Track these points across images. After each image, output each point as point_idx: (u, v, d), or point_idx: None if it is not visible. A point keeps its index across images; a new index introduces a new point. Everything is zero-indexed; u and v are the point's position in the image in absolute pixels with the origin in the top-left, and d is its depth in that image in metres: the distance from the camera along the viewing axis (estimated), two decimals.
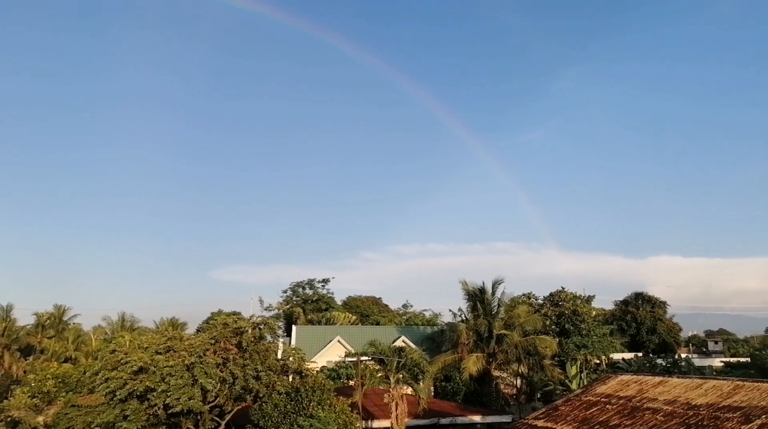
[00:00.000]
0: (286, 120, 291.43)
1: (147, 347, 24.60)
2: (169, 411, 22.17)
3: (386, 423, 28.67)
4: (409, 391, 30.56)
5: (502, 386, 44.81)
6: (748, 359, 61.53)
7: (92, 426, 22.97)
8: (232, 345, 24.32)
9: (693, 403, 16.12)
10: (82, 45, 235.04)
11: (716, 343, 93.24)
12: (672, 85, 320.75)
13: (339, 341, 49.20)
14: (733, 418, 14.17)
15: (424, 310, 77.20)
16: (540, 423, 19.79)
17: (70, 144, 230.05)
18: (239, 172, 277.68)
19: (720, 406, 15.23)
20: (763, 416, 13.54)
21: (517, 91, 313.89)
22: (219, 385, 22.89)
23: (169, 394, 21.74)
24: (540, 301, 59.15)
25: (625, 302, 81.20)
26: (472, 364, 38.09)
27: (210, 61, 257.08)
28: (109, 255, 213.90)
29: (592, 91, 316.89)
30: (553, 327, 52.38)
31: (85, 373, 34.95)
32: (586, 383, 37.44)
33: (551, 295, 58.19)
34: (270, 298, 72.97)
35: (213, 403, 23.59)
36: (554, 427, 18.91)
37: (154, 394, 21.91)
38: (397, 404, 27.81)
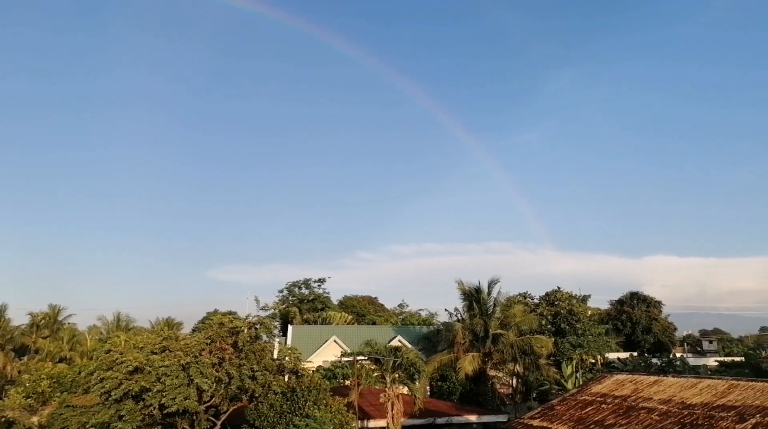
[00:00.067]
0: (284, 120, 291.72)
1: (142, 347, 24.52)
2: (165, 411, 22.10)
3: (382, 423, 28.67)
4: (405, 390, 30.56)
5: (497, 386, 44.86)
6: (743, 358, 61.80)
7: (87, 426, 22.89)
8: (227, 345, 24.29)
9: (688, 403, 16.18)
10: (81, 46, 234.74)
11: (711, 342, 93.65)
12: (668, 85, 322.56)
13: (335, 341, 49.18)
14: (728, 417, 14.23)
15: (420, 309, 77.38)
16: (536, 422, 19.83)
17: (67, 144, 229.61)
18: (236, 172, 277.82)
19: (715, 405, 15.29)
20: (758, 415, 13.59)
21: (515, 91, 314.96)
22: (215, 385, 22.86)
23: (164, 394, 21.68)
24: (536, 301, 59.30)
25: (620, 302, 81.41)
26: (468, 363, 38.12)
27: (209, 61, 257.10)
28: (105, 255, 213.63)
29: (590, 91, 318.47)
30: (549, 326, 52.50)
31: (80, 373, 34.88)
32: (581, 383, 37.51)
33: (547, 294, 58.35)
34: (266, 298, 72.81)
35: (209, 403, 23.56)
36: (550, 426, 18.95)
37: (150, 394, 21.85)
38: (393, 404, 27.81)
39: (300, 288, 73.38)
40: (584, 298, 61.54)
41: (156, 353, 23.57)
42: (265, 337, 31.64)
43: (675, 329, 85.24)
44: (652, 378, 19.82)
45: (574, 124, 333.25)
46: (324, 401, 24.46)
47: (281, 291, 73.78)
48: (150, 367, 22.62)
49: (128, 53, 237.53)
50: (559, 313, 53.52)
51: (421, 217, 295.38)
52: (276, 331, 59.22)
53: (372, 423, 29.68)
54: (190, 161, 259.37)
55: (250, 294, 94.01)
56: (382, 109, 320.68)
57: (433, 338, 50.46)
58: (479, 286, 42.18)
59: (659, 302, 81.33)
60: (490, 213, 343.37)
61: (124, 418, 22.01)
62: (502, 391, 46.31)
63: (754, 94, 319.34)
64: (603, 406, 18.73)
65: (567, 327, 52.19)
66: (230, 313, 51.08)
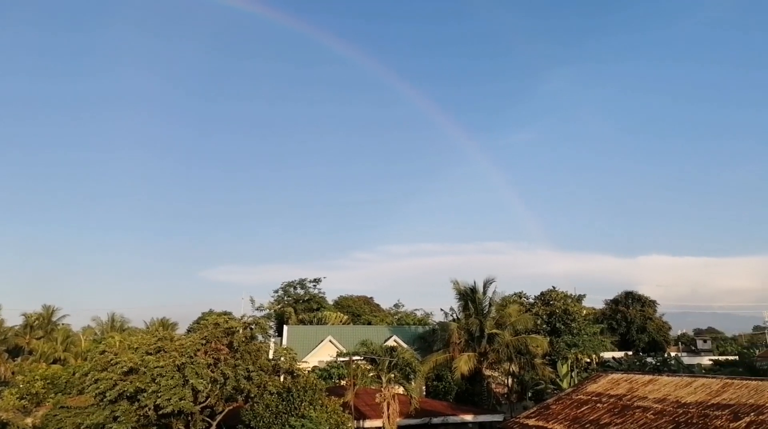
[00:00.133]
0: (282, 121, 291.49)
1: (137, 348, 24.45)
2: (160, 412, 22.03)
3: (378, 423, 28.63)
4: (401, 390, 30.55)
5: (493, 385, 44.92)
6: (737, 357, 62.17)
7: (82, 427, 22.74)
8: (223, 345, 24.23)
9: (682, 402, 16.23)
10: (81, 46, 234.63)
11: (705, 341, 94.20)
12: (664, 85, 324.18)
13: (330, 341, 49.11)
14: (722, 416, 14.28)
15: (416, 309, 77.40)
16: (531, 422, 19.85)
17: (65, 144, 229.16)
18: (233, 173, 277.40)
19: (709, 404, 15.35)
20: (752, 414, 13.65)
21: (513, 91, 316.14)
22: (210, 385, 22.79)
23: (159, 394, 21.61)
24: (531, 301, 59.38)
25: (615, 301, 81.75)
26: (464, 363, 38.13)
27: (209, 61, 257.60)
28: (100, 255, 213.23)
29: (587, 91, 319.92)
30: (544, 326, 52.60)
31: (74, 374, 34.65)
32: (576, 382, 37.61)
33: (542, 294, 58.47)
34: (261, 298, 72.92)
35: (204, 404, 23.49)
36: (545, 425, 18.98)
37: (145, 394, 21.77)
38: (388, 404, 27.78)
39: (295, 288, 73.26)
40: (579, 298, 61.82)
41: (151, 354, 23.49)
42: (260, 338, 31.51)
43: (669, 328, 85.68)
44: (647, 377, 19.87)
45: (570, 123, 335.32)
46: (320, 401, 24.42)
47: (276, 291, 73.71)
48: (145, 367, 22.54)
49: (128, 54, 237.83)
50: (554, 312, 53.62)
51: (417, 216, 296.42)
52: (271, 332, 59.11)
53: (368, 423, 29.65)
54: (187, 161, 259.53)
55: (245, 294, 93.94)
56: (380, 109, 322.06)
57: (428, 338, 50.45)
58: (475, 285, 42.20)
59: (654, 301, 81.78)
60: (486, 213, 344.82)
61: (119, 419, 21.92)
62: (497, 390, 46.39)
63: (751, 95, 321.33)
64: (598, 405, 18.78)
65: (562, 326, 52.30)
66: (225, 313, 50.95)
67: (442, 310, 46.74)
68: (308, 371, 33.89)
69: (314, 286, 73.53)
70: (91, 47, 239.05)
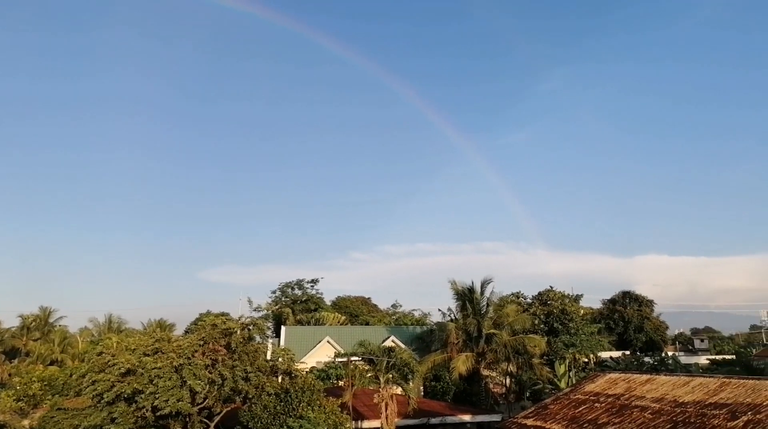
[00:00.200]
0: (282, 121, 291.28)
1: (135, 349, 24.38)
2: (158, 413, 21.98)
3: (376, 423, 28.63)
4: (399, 391, 30.55)
5: (491, 385, 44.95)
6: (734, 356, 62.37)
7: None
8: (220, 346, 24.19)
9: (680, 401, 16.26)
10: (80, 47, 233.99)
11: (702, 340, 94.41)
12: (660, 85, 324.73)
13: (328, 342, 49.09)
14: (720, 415, 14.31)
15: (414, 310, 77.42)
16: (529, 422, 19.86)
17: (64, 145, 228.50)
18: (232, 173, 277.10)
19: (706, 403, 15.38)
20: (749, 413, 13.68)
21: (509, 91, 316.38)
22: (208, 386, 22.75)
23: (157, 396, 21.57)
24: (529, 301, 59.39)
25: (612, 301, 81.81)
26: (462, 363, 38.15)
27: (208, 62, 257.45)
28: (97, 256, 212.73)
29: (583, 91, 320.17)
30: (542, 326, 52.61)
31: (71, 375, 34.64)
32: (574, 382, 37.66)
33: (540, 294, 58.47)
34: (259, 299, 72.80)
35: (202, 405, 23.44)
36: (543, 425, 18.99)
37: (142, 396, 21.73)
38: (387, 404, 27.78)
39: (293, 289, 73.21)
40: (577, 298, 61.78)
41: (148, 355, 23.45)
42: (258, 339, 31.47)
43: (667, 328, 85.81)
44: (645, 377, 19.90)
45: (569, 123, 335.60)
46: (318, 402, 24.40)
47: (274, 292, 73.66)
48: (142, 369, 22.49)
49: (128, 54, 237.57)
50: (551, 312, 53.65)
51: (414, 217, 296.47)
52: (269, 332, 59.08)
53: (366, 423, 29.65)
54: (186, 162, 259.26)
55: (242, 295, 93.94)
56: (379, 109, 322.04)
57: (426, 338, 50.46)
58: (472, 286, 42.24)
59: (651, 301, 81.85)
60: (483, 213, 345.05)
61: (116, 421, 21.89)
62: (495, 390, 46.41)
63: (751, 95, 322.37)
64: (596, 404, 18.80)
65: (560, 326, 52.34)
66: (223, 314, 50.99)
67: (439, 310, 46.91)
68: (306, 372, 33.84)
69: (312, 286, 73.57)
70: (90, 48, 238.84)
